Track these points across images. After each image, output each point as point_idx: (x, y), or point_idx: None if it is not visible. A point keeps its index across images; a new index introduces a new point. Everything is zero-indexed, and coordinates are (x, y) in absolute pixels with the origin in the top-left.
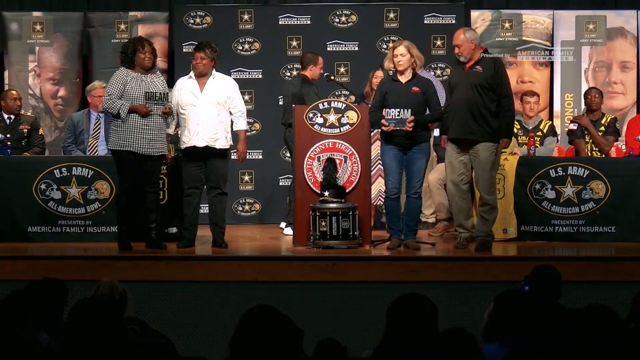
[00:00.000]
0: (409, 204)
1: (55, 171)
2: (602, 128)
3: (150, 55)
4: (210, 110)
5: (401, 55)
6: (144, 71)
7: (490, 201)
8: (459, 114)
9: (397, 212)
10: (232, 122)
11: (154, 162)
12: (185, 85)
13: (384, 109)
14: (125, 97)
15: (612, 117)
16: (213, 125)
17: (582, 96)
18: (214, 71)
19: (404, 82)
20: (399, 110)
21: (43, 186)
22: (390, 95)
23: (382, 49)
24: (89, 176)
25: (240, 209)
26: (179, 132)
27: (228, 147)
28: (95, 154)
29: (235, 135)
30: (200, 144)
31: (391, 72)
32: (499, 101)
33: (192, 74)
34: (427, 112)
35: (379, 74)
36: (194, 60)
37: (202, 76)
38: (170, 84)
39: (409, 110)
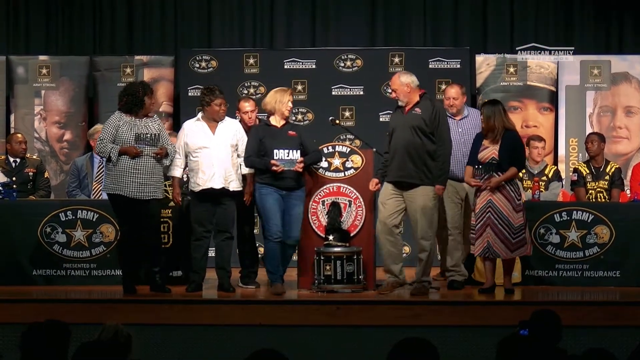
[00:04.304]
0: (285, 250)
1: (60, 214)
2: (607, 177)
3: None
4: (224, 152)
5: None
6: (139, 116)
7: (425, 246)
8: (397, 156)
9: (280, 256)
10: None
11: (149, 206)
12: (195, 128)
13: (274, 151)
14: (117, 141)
15: (617, 166)
16: (227, 167)
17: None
18: None
19: (279, 126)
20: (288, 151)
21: (48, 229)
22: (268, 140)
23: (387, 93)
24: (94, 219)
25: None
26: (190, 176)
27: (240, 189)
28: (100, 198)
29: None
30: (217, 185)
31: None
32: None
33: (199, 116)
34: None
35: None
36: (216, 107)
37: (213, 120)
38: (176, 127)
39: (297, 151)
